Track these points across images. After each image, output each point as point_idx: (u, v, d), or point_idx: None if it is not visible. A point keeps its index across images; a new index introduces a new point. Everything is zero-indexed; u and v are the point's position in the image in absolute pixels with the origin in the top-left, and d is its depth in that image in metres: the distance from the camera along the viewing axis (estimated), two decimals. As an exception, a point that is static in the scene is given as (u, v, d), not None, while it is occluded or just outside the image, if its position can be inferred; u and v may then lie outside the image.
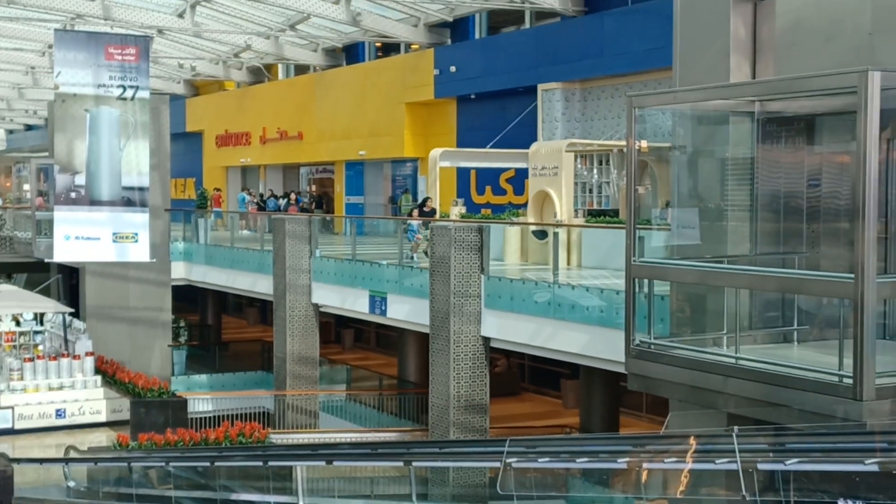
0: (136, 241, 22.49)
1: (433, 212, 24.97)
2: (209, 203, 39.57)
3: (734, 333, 10.86)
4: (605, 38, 27.84)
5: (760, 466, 7.51)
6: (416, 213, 25.57)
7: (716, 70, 11.98)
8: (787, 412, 9.59)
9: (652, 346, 11.46)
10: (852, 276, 9.17)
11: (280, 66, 46.86)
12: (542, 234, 22.18)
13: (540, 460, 9.42)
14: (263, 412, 26.37)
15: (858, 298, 9.06)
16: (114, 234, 22.34)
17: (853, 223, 9.21)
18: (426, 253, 22.45)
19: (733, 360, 10.50)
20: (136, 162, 22.47)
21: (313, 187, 45.13)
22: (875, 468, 6.94)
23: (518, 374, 30.50)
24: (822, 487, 7.86)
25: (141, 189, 22.57)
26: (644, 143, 17.98)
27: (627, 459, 8.70)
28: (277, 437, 21.96)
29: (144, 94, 22.40)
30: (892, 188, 11.24)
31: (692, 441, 8.01)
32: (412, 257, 23.09)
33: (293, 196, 36.47)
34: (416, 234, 23.87)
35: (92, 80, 21.91)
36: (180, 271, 31.02)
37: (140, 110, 22.37)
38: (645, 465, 8.54)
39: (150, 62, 26.20)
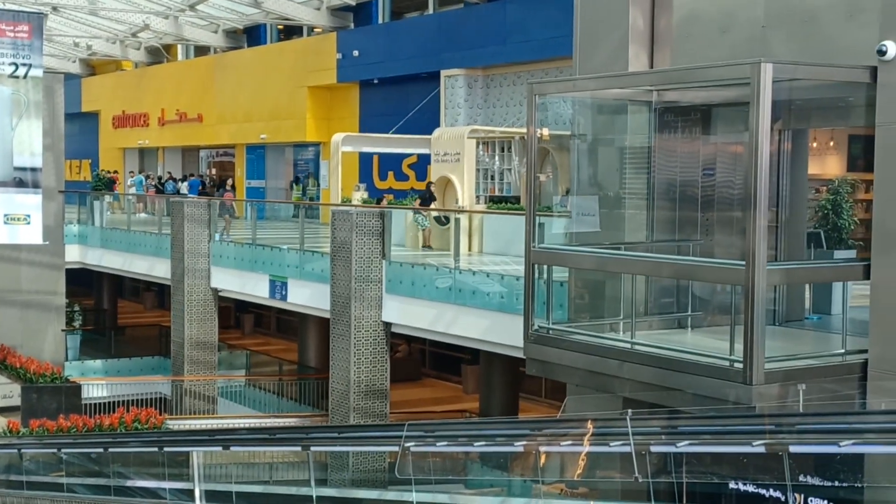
0: (29, 222, 21.96)
1: (432, 198, 23.35)
2: (114, 184, 38.75)
3: (630, 319, 11.04)
4: (508, 26, 27.99)
5: (653, 449, 7.66)
6: (417, 202, 23.78)
7: (615, 59, 12.13)
8: (681, 396, 9.79)
9: (550, 332, 11.59)
10: (743, 263, 9.39)
11: (179, 46, 46.05)
12: (443, 220, 22.24)
13: (438, 444, 9.48)
14: (160, 398, 25.97)
15: (749, 285, 9.28)
16: (5, 215, 21.78)
17: (745, 212, 9.42)
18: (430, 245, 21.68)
19: (629, 346, 10.67)
20: (28, 142, 21.92)
21: (213, 170, 44.53)
22: (762, 450, 7.13)
23: (419, 359, 30.57)
24: (712, 469, 8.06)
25: (33, 170, 22.04)
26: (545, 131, 18.14)
27: (524, 443, 8.80)
28: (174, 423, 21.69)
29: (38, 72, 21.85)
30: (783, 178, 11.55)
31: (588, 425, 8.13)
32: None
33: (229, 182, 34.50)
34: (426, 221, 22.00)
35: (-18, 56, 21.28)
36: (75, 254, 30.36)
37: (33, 89, 21.81)
38: (541, 449, 8.64)
39: (45, 40, 25.50)
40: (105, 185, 38.01)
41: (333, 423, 19.47)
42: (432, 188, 23.58)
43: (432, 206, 23.13)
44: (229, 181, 34.27)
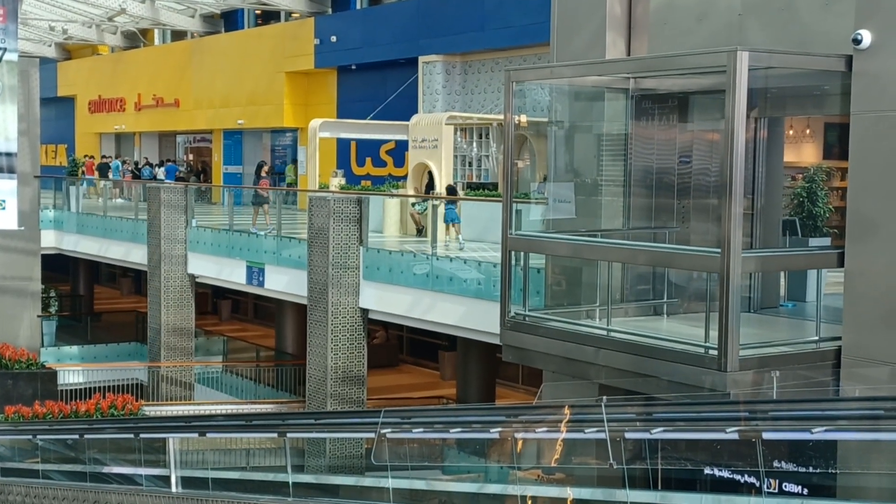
0: (4, 208, 21.82)
1: (453, 190, 21.90)
2: (108, 168, 38.41)
3: (606, 306, 11.07)
4: (486, 12, 27.94)
5: (628, 435, 7.69)
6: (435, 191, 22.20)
7: (592, 47, 12.14)
8: (656, 382, 9.83)
9: (527, 318, 11.61)
10: (719, 250, 9.43)
11: (156, 31, 45.73)
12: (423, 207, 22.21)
13: (414, 430, 9.50)
14: (137, 384, 25.89)
15: (724, 272, 9.32)
16: (-21, 200, 21.61)
17: (721, 199, 9.46)
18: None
19: (605, 332, 10.70)
20: (3, 126, 21.76)
21: (190, 156, 44.30)
22: (736, 436, 7.18)
23: (396, 345, 30.58)
24: (687, 456, 8.10)
25: (8, 155, 21.89)
26: (524, 118, 18.10)
27: (500, 429, 8.83)
28: (151, 410, 21.64)
29: (13, 56, 21.67)
30: (758, 166, 11.60)
31: (564, 411, 8.16)
32: (457, 243, 19.62)
33: (265, 169, 30.79)
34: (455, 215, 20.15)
35: (-44, 40, 21.10)
36: (50, 240, 30.18)
37: (8, 73, 21.63)
38: (518, 435, 8.67)
39: (20, 24, 25.27)
40: (99, 170, 37.64)
41: (310, 409, 19.46)
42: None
43: (411, 192, 23.13)
44: (265, 167, 30.23)
